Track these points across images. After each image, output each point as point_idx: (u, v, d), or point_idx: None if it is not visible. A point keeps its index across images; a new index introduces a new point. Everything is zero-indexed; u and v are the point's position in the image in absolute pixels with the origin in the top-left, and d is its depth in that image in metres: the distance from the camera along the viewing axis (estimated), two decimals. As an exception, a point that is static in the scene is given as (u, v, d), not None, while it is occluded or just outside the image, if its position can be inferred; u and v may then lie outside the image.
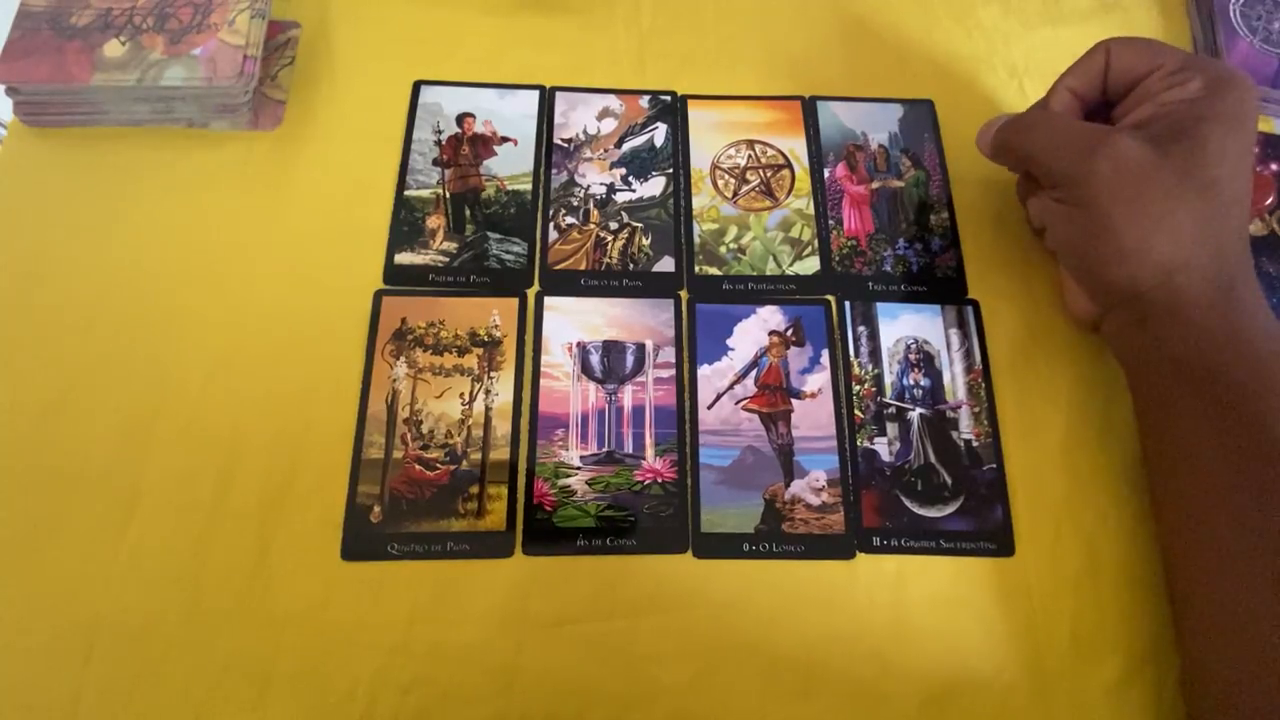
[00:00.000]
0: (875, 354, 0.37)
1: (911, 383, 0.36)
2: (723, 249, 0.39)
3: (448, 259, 0.37)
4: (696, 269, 0.38)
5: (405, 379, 0.35)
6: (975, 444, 0.35)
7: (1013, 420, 0.36)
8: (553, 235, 0.38)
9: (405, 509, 0.33)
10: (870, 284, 0.38)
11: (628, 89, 0.42)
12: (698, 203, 0.40)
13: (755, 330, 0.37)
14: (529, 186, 0.39)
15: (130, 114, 0.39)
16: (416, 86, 0.41)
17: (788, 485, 0.34)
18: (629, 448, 0.35)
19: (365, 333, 0.35)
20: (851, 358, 0.36)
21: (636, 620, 0.32)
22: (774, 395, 0.36)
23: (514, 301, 0.37)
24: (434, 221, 0.38)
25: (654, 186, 0.40)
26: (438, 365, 0.35)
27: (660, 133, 0.41)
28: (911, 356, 0.37)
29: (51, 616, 0.31)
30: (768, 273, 0.38)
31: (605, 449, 0.34)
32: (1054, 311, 0.38)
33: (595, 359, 0.36)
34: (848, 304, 0.37)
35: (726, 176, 0.40)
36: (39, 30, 0.38)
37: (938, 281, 0.38)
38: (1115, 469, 0.35)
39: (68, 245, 0.37)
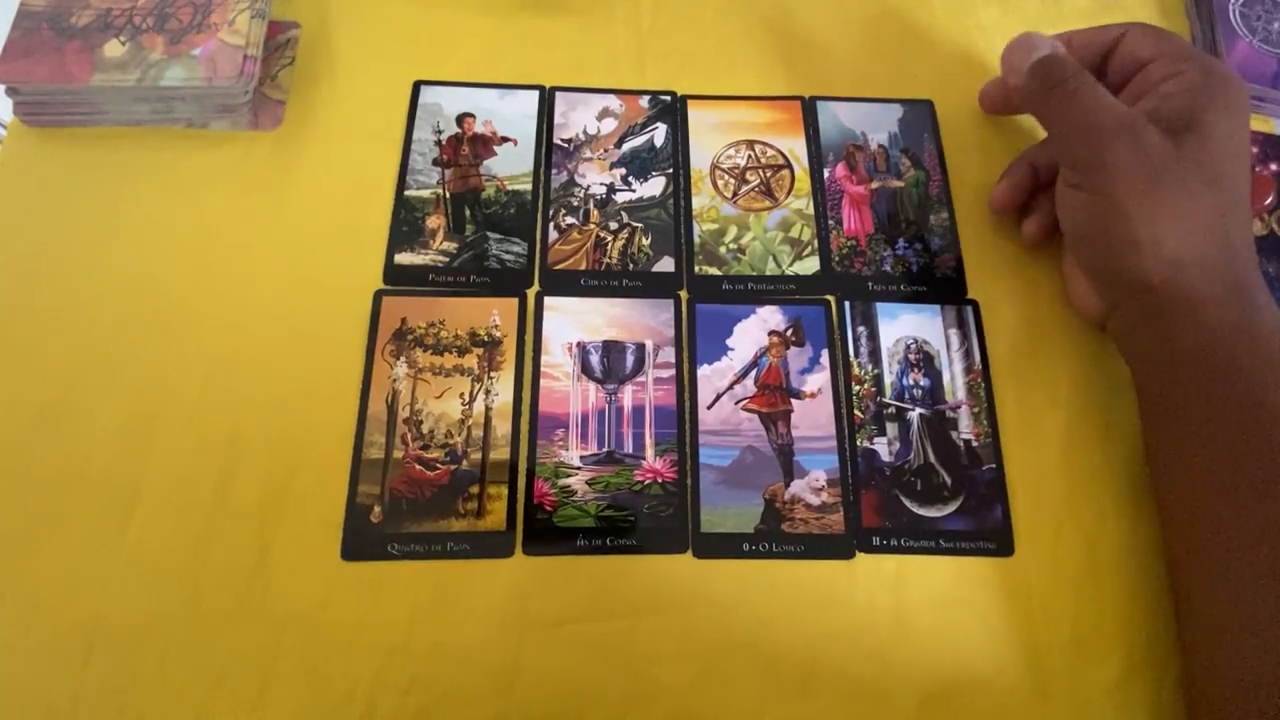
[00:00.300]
0: (875, 354, 0.37)
1: (911, 383, 0.36)
2: (723, 249, 0.39)
3: (448, 259, 0.37)
4: (696, 269, 0.38)
5: (405, 379, 0.35)
6: (975, 444, 0.35)
7: (1013, 420, 0.36)
8: (553, 235, 0.38)
9: (405, 509, 0.33)
10: (870, 284, 0.38)
11: (628, 89, 0.42)
12: (698, 203, 0.40)
13: (755, 330, 0.37)
14: (529, 186, 0.39)
15: (130, 114, 0.39)
16: (416, 86, 0.41)
17: (787, 485, 0.34)
18: (629, 448, 0.35)
19: (365, 333, 0.35)
20: (851, 358, 0.36)
21: (636, 620, 0.32)
22: (774, 395, 0.36)
23: (514, 301, 0.37)
24: (434, 221, 0.38)
25: (654, 186, 0.40)
26: (438, 365, 0.35)
27: (660, 133, 0.41)
28: (911, 356, 0.37)
29: (51, 616, 0.31)
30: (768, 273, 0.38)
31: (605, 449, 0.34)
32: (1054, 311, 0.38)
33: (595, 359, 0.36)
34: (847, 304, 0.37)
35: (726, 176, 0.40)
36: (39, 30, 0.38)
37: (938, 281, 0.38)
38: (1115, 469, 0.35)
39: (68, 245, 0.37)
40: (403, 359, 0.35)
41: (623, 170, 0.40)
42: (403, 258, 0.37)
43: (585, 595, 0.32)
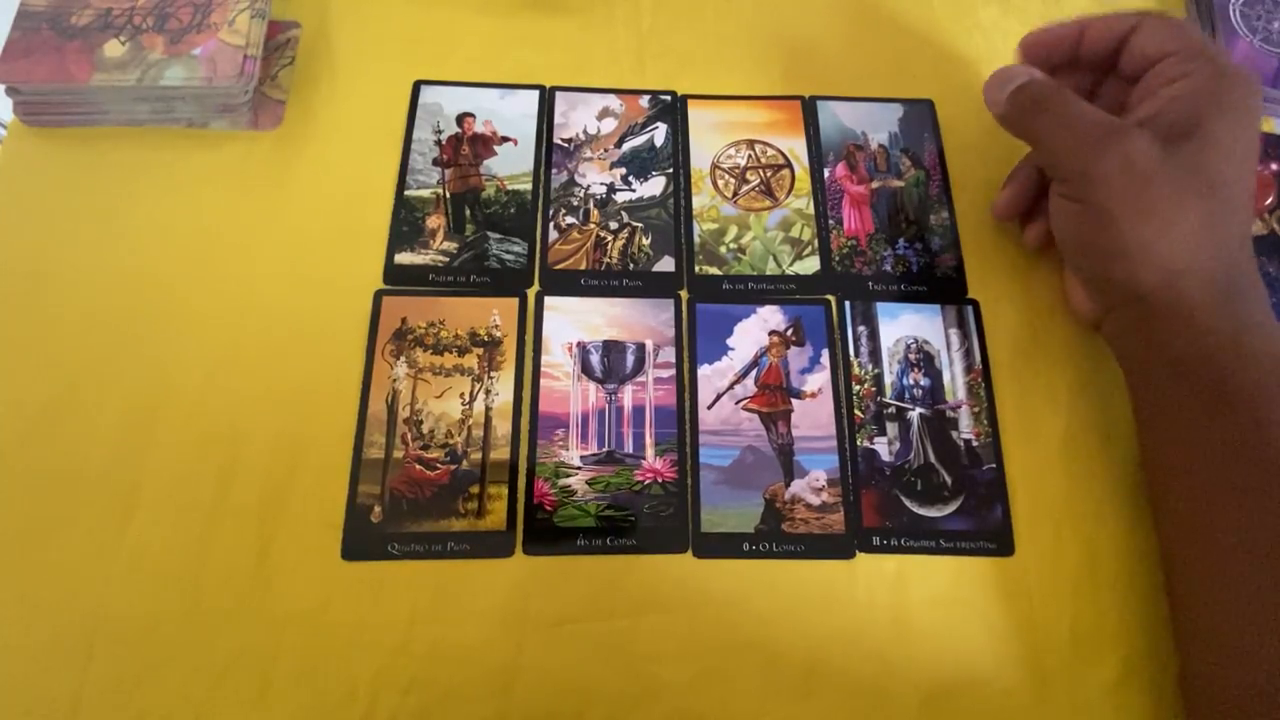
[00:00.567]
0: (875, 354, 0.37)
1: (911, 382, 0.36)
2: (723, 249, 0.39)
3: (448, 259, 0.37)
4: (696, 269, 0.38)
5: (405, 379, 0.35)
6: (975, 444, 0.35)
7: (1013, 420, 0.36)
8: (553, 235, 0.38)
9: (405, 509, 0.33)
10: (870, 284, 0.38)
11: (628, 89, 0.42)
12: (698, 202, 0.40)
13: (755, 330, 0.37)
14: (529, 186, 0.39)
15: (130, 114, 0.39)
16: (416, 86, 0.41)
17: (788, 485, 0.34)
18: (629, 448, 0.35)
19: (365, 333, 0.35)
20: (851, 357, 0.36)
21: (637, 620, 0.32)
22: (774, 395, 0.36)
23: (514, 301, 0.37)
24: (434, 221, 0.38)
25: (654, 186, 0.40)
26: (438, 365, 0.35)
27: (660, 133, 0.41)
28: (911, 356, 0.37)
29: (52, 616, 0.31)
30: (768, 273, 0.38)
31: (605, 449, 0.34)
32: (1054, 311, 0.38)
33: (595, 359, 0.36)
34: (848, 304, 0.37)
35: (726, 176, 0.40)
36: (39, 30, 0.38)
37: (938, 281, 0.38)
38: (1115, 469, 0.35)
39: (68, 245, 0.37)
40: (403, 359, 0.35)
41: (623, 170, 0.40)
42: (403, 257, 0.37)
43: (585, 595, 0.32)
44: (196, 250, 0.37)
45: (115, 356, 0.34)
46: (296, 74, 0.41)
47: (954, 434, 0.35)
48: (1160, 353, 0.31)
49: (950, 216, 0.40)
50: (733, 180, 0.40)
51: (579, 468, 0.34)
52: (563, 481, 0.34)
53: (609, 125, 0.41)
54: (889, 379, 0.36)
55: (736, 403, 0.35)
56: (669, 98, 0.42)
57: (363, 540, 0.32)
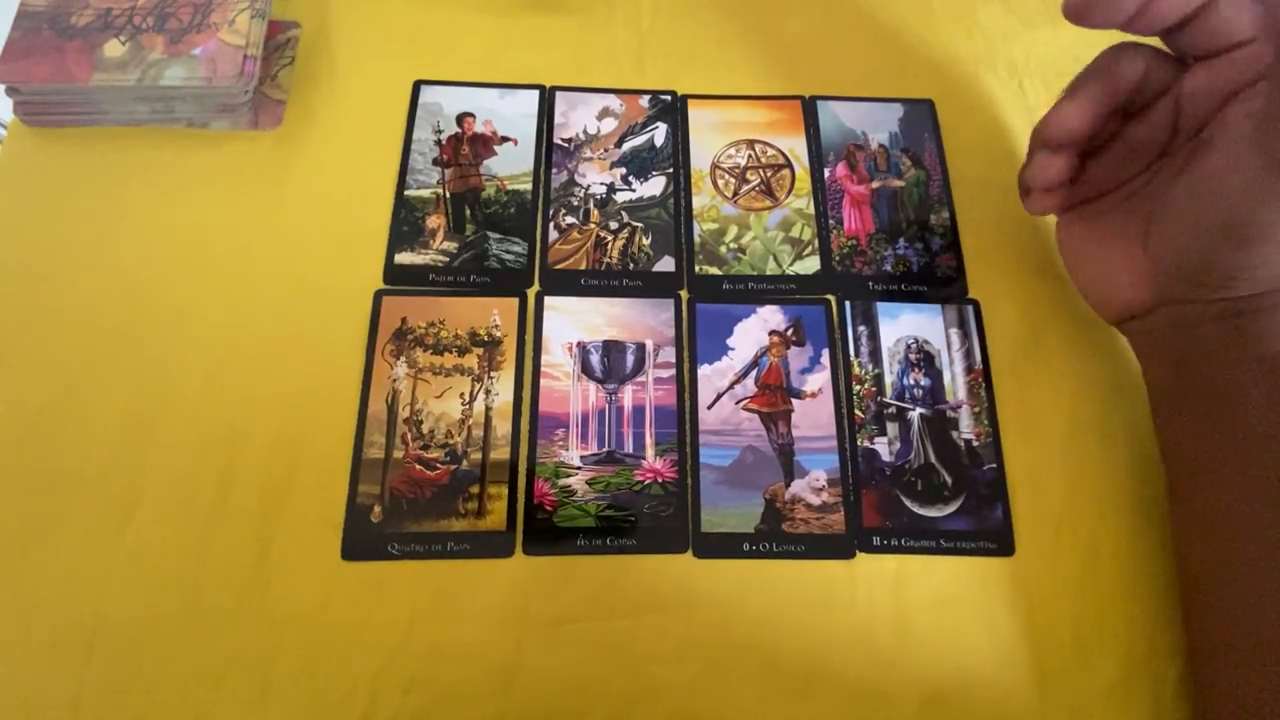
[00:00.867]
0: (875, 354, 0.37)
1: (912, 382, 0.36)
2: (723, 249, 0.39)
3: (448, 259, 0.37)
4: (696, 269, 0.38)
5: (405, 379, 0.35)
6: (975, 444, 0.35)
7: (1013, 420, 0.36)
8: (553, 235, 0.38)
9: (405, 509, 0.33)
10: (870, 284, 0.38)
11: (628, 89, 0.42)
12: (698, 202, 0.40)
13: (755, 330, 0.37)
14: (529, 186, 0.39)
15: (130, 114, 0.39)
16: (416, 86, 0.41)
17: (788, 485, 0.34)
18: (629, 448, 0.35)
19: (365, 333, 0.35)
20: (851, 357, 0.36)
21: (637, 620, 0.32)
22: (774, 395, 0.36)
23: (514, 301, 0.37)
24: (434, 221, 0.38)
25: (654, 186, 0.40)
26: (438, 365, 0.35)
27: (660, 132, 0.41)
28: (912, 356, 0.37)
29: (52, 616, 0.31)
30: (768, 272, 0.38)
31: (605, 449, 0.34)
32: (1054, 311, 0.38)
33: (595, 359, 0.36)
34: (848, 304, 0.37)
35: (726, 176, 0.40)
36: (39, 30, 0.38)
37: (938, 281, 0.38)
38: (1115, 469, 0.35)
39: (68, 245, 0.37)
40: (403, 359, 0.35)
41: (623, 170, 0.40)
42: (403, 257, 0.37)
43: (585, 595, 0.32)
44: (196, 250, 0.37)
45: (115, 357, 0.34)
46: (296, 74, 0.41)
47: (954, 434, 0.35)
48: (1247, 348, 0.29)
49: (950, 216, 0.40)
50: (733, 180, 0.40)
51: (579, 468, 0.34)
52: (563, 481, 0.34)
53: (609, 125, 0.41)
54: (889, 379, 0.36)
55: (736, 403, 0.35)
56: (669, 98, 0.42)
57: (363, 540, 0.32)
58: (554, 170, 0.40)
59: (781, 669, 0.31)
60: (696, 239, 0.39)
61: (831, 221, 0.39)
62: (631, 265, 0.38)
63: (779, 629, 0.32)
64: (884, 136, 0.42)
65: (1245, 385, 0.29)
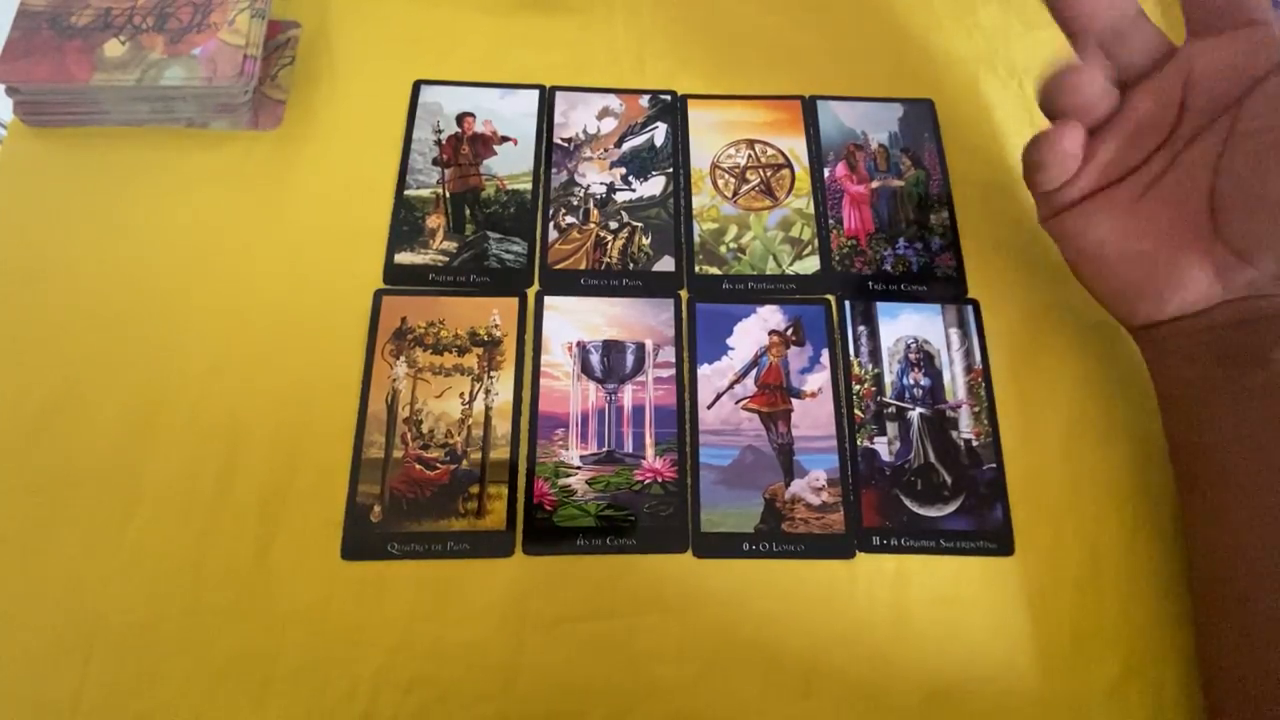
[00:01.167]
0: (875, 353, 0.37)
1: (911, 382, 0.36)
2: (723, 248, 0.39)
3: (448, 259, 0.37)
4: (696, 269, 0.38)
5: (405, 378, 0.35)
6: (975, 444, 0.35)
7: (1013, 420, 0.36)
8: (553, 235, 0.38)
9: (405, 508, 0.33)
10: (870, 283, 0.38)
11: (628, 89, 0.42)
12: (698, 202, 0.40)
13: (755, 330, 0.37)
14: (529, 186, 0.39)
15: (130, 114, 0.39)
16: (416, 86, 0.41)
17: (788, 485, 0.34)
18: (629, 447, 0.35)
19: (365, 332, 0.35)
20: (851, 357, 0.36)
21: (636, 619, 0.32)
22: (774, 395, 0.36)
23: (514, 301, 0.37)
24: (434, 221, 0.38)
25: (654, 186, 0.40)
26: (438, 365, 0.35)
27: (660, 132, 0.41)
28: (911, 356, 0.37)
29: (52, 615, 0.31)
30: (768, 272, 0.38)
31: (605, 448, 0.34)
32: (1054, 311, 0.38)
33: (595, 358, 0.36)
34: (848, 303, 0.37)
35: (726, 176, 0.40)
36: (39, 30, 0.38)
37: (938, 281, 0.38)
38: (1115, 469, 0.35)
39: (68, 245, 0.37)
40: (403, 358, 0.35)
41: (623, 170, 0.40)
42: (403, 257, 0.37)
43: (585, 595, 0.32)
44: (196, 250, 0.37)
45: (115, 356, 0.34)
46: (296, 74, 0.41)
47: (954, 434, 0.35)
48: None
49: (950, 216, 0.40)
50: (733, 180, 0.40)
51: (579, 467, 0.34)
52: (562, 481, 0.34)
53: (609, 125, 0.41)
54: (889, 379, 0.36)
55: (736, 402, 0.35)
56: (669, 97, 0.42)
57: (363, 540, 0.32)
58: (554, 170, 0.40)
59: (781, 669, 0.31)
60: (696, 239, 0.39)
61: (831, 221, 0.39)
62: (631, 265, 0.38)
63: (779, 629, 0.32)
64: (884, 136, 0.42)
65: None
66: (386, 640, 0.31)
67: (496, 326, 0.36)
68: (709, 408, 0.35)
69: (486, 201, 0.39)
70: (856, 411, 0.35)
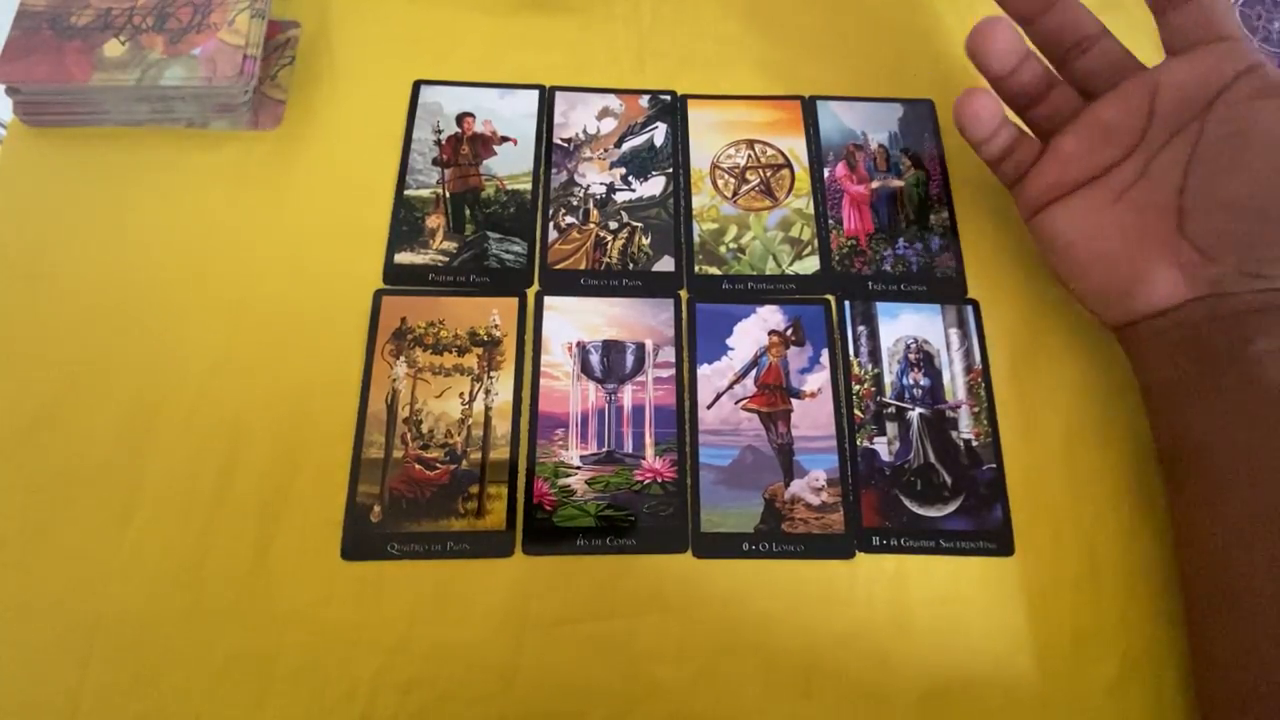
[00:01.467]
0: (875, 354, 0.37)
1: (911, 382, 0.36)
2: (722, 249, 0.39)
3: (448, 259, 0.37)
4: (696, 269, 0.38)
5: (405, 379, 0.35)
6: (975, 444, 0.35)
7: (1013, 420, 0.36)
8: (552, 235, 0.38)
9: (405, 509, 0.33)
10: (870, 284, 0.38)
11: (627, 89, 0.42)
12: (698, 202, 0.40)
13: (755, 330, 0.37)
14: (529, 186, 0.39)
15: (130, 114, 0.39)
16: (416, 86, 0.41)
17: (787, 485, 0.34)
18: (629, 447, 0.35)
19: (365, 332, 0.35)
20: (851, 357, 0.36)
21: (636, 620, 0.32)
22: (774, 395, 0.36)
23: (514, 301, 0.37)
24: (434, 221, 0.38)
25: (654, 186, 0.40)
26: (438, 365, 0.35)
27: (660, 132, 0.41)
28: (911, 356, 0.37)
29: (51, 615, 0.31)
30: (768, 272, 0.38)
31: (605, 449, 0.34)
32: (1054, 311, 0.38)
33: (595, 359, 0.36)
34: (847, 304, 0.37)
35: (726, 176, 0.40)
36: (39, 30, 0.38)
37: (938, 281, 0.38)
38: (1115, 469, 0.35)
39: (68, 245, 0.37)
40: (402, 358, 0.35)
41: (623, 170, 0.40)
42: (403, 257, 0.37)
43: (585, 595, 0.32)
44: (197, 250, 0.37)
45: (115, 356, 0.34)
46: (296, 74, 0.41)
47: (954, 434, 0.35)
48: (1272, 337, 0.28)
49: (950, 216, 0.40)
50: (732, 180, 0.40)
51: (579, 467, 0.34)
52: (562, 481, 0.34)
53: (609, 125, 0.41)
54: (889, 379, 0.36)
55: (736, 402, 0.35)
56: (669, 98, 0.42)
57: (362, 540, 0.32)
58: (554, 170, 0.40)
59: (781, 669, 0.31)
60: (696, 239, 0.39)
61: (831, 221, 0.39)
62: (631, 265, 0.38)
63: (779, 629, 0.32)
64: (884, 136, 0.42)
65: None
66: (386, 640, 0.31)
67: (496, 326, 0.36)
68: (709, 408, 0.35)
69: (486, 201, 0.39)
70: (856, 411, 0.35)
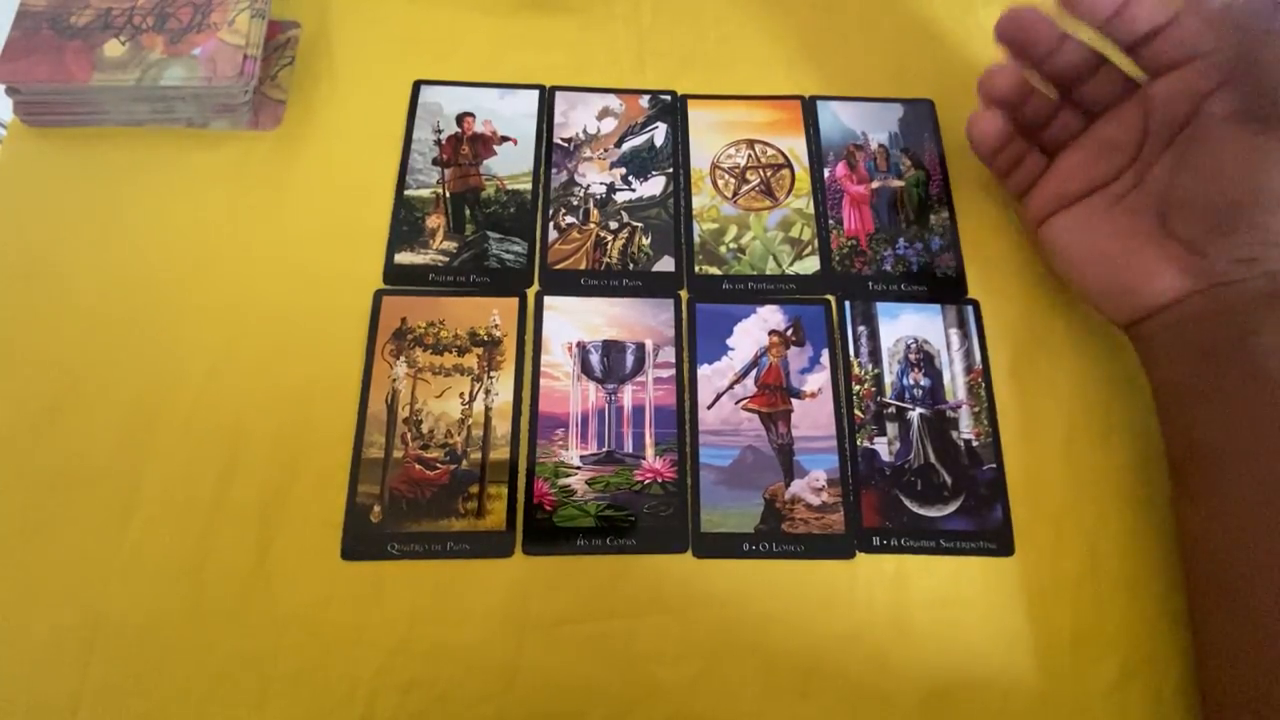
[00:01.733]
0: (875, 354, 0.37)
1: (911, 382, 0.36)
2: (723, 249, 0.39)
3: (448, 259, 0.37)
4: (696, 269, 0.38)
5: (405, 379, 0.35)
6: (975, 444, 0.35)
7: (1013, 420, 0.36)
8: (553, 235, 0.38)
9: (405, 509, 0.33)
10: (870, 284, 0.38)
11: (628, 89, 0.42)
12: (698, 202, 0.40)
13: (755, 330, 0.37)
14: (529, 186, 0.39)
15: (130, 114, 0.39)
16: (416, 86, 0.41)
17: (788, 485, 0.34)
18: (629, 447, 0.35)
19: (365, 332, 0.35)
20: (851, 357, 0.36)
21: (636, 620, 0.32)
22: (774, 395, 0.36)
23: (514, 301, 0.37)
24: (434, 221, 0.38)
25: (654, 186, 0.40)
26: (438, 365, 0.35)
27: (660, 132, 0.41)
28: (911, 356, 0.37)
29: (52, 615, 0.31)
30: (768, 272, 0.38)
31: (605, 449, 0.34)
32: (1054, 311, 0.38)
33: (595, 359, 0.36)
34: (848, 304, 0.37)
35: (726, 176, 0.40)
36: (39, 30, 0.38)
37: (938, 281, 0.38)
38: (1116, 469, 0.35)
39: (68, 245, 0.37)
40: (403, 359, 0.35)
41: (623, 170, 0.40)
42: (403, 257, 0.37)
43: (585, 595, 0.32)
44: (196, 250, 0.37)
45: (115, 356, 0.34)
46: (296, 74, 0.41)
47: (954, 434, 0.35)
48: (1277, 332, 0.29)
49: (950, 216, 0.40)
50: (733, 180, 0.40)
51: (579, 468, 0.34)
52: (562, 481, 0.34)
53: (609, 125, 0.41)
54: (889, 379, 0.36)
55: (736, 403, 0.35)
56: (669, 97, 0.42)
57: (363, 540, 0.32)
58: (554, 170, 0.40)
59: (781, 669, 0.31)
60: (696, 239, 0.39)
61: (831, 221, 0.39)
62: (631, 265, 0.38)
63: (779, 629, 0.32)
64: (884, 136, 0.42)
65: None
66: (386, 641, 0.31)
67: (496, 326, 0.36)
68: (709, 408, 0.35)
69: (486, 201, 0.39)
70: (856, 412, 0.35)
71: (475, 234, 0.38)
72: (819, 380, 0.36)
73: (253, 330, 0.35)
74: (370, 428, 0.34)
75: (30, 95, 0.38)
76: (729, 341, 0.37)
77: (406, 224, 0.38)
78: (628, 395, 0.36)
